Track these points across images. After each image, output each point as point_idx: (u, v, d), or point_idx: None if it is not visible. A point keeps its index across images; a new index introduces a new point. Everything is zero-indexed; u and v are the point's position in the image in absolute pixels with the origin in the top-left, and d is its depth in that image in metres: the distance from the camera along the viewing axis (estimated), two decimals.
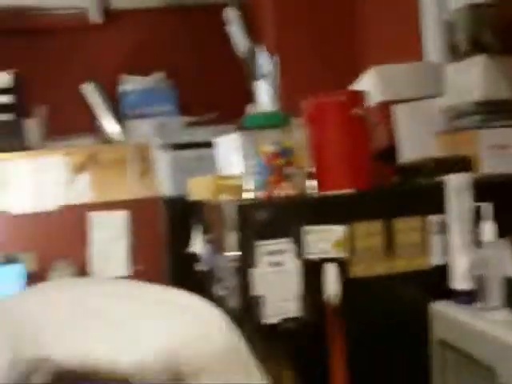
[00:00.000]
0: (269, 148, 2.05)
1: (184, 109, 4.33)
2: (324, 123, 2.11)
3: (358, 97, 2.15)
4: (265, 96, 3.82)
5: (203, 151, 3.40)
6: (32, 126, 4.27)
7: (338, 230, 2.01)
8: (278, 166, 2.05)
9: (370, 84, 2.46)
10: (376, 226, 2.04)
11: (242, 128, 2.39)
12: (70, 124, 4.38)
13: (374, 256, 2.04)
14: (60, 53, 4.54)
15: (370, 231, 2.03)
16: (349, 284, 2.01)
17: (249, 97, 4.07)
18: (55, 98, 4.36)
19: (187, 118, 4.02)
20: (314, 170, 2.15)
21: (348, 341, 1.97)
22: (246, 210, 1.95)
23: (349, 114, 2.09)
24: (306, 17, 3.68)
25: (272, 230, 1.95)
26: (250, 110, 4.01)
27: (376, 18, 3.37)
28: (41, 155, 4.22)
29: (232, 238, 1.97)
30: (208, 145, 3.09)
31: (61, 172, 4.21)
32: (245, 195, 2.13)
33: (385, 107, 2.43)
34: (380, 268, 2.04)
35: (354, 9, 3.63)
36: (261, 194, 2.06)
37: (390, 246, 2.05)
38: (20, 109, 4.49)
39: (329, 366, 1.96)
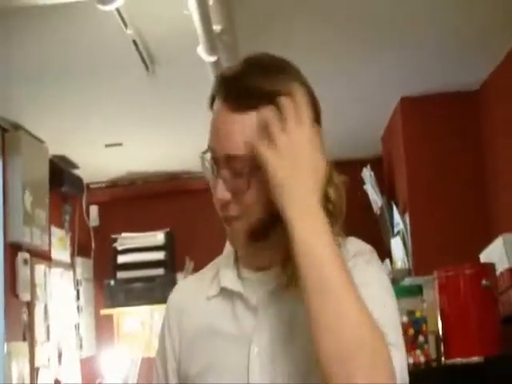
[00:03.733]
0: (401, 318, 2.18)
1: None
2: (455, 294, 2.24)
3: (487, 269, 2.28)
4: (399, 252, 3.96)
5: None
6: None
7: None
8: (410, 335, 2.17)
9: (498, 251, 2.58)
10: None
11: None
12: None
13: None
14: (205, 211, 4.93)
15: None
16: None
17: (385, 252, 4.22)
18: (201, 253, 4.69)
19: None
20: (444, 335, 2.26)
21: None
22: None
23: (478, 286, 2.21)
24: (437, 178, 3.83)
25: None
26: (386, 266, 4.15)
27: (508, 184, 3.45)
28: None
29: None
30: None
31: None
32: None
33: None
34: None
35: (485, 173, 3.74)
36: None
37: None
38: (171, 264, 4.88)
39: None
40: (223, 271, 1.30)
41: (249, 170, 1.15)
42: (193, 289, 1.35)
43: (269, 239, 1.22)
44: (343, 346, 1.04)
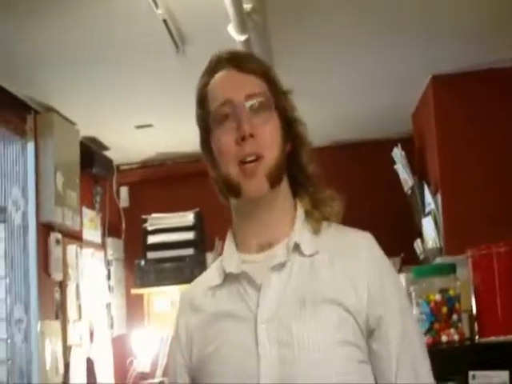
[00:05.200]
0: (435, 297, 2.18)
1: None
2: (489, 272, 2.22)
3: None
4: (430, 232, 3.93)
5: None
6: (212, 259, 4.61)
7: (502, 375, 2.07)
8: (444, 313, 2.16)
9: None
10: None
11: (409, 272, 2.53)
12: None
13: None
14: None
15: None
16: None
17: (416, 232, 4.20)
18: None
19: None
20: (477, 314, 2.24)
21: None
22: None
23: None
24: (469, 157, 3.79)
25: (437, 374, 2.04)
26: (417, 245, 4.13)
27: None
28: None
29: None
30: None
31: None
32: None
33: None
34: None
35: None
36: (427, 340, 2.17)
37: None
38: (201, 244, 4.90)
39: None
40: (226, 260, 1.35)
41: (268, 104, 1.30)
42: (200, 285, 1.41)
43: (277, 195, 1.30)
44: None
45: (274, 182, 1.29)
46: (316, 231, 1.30)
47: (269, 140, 1.29)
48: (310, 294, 1.24)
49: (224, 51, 1.37)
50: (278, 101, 1.33)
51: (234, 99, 1.29)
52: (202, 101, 1.35)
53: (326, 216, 1.32)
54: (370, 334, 1.23)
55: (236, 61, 1.33)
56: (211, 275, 1.38)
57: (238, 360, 1.25)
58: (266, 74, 1.34)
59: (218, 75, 1.34)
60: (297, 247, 1.28)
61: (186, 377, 1.36)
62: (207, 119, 1.33)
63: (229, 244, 1.38)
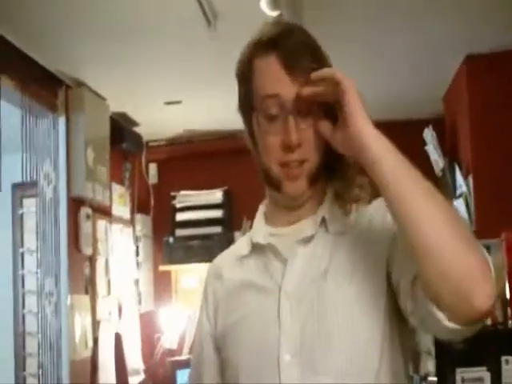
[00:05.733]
0: None
1: None
2: None
3: None
4: (461, 215, 3.89)
5: None
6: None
7: None
8: None
9: None
10: None
11: None
12: None
13: None
14: None
15: None
16: None
17: None
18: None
19: None
20: (511, 298, 2.22)
21: None
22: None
23: None
24: (502, 140, 3.73)
25: (469, 359, 2.03)
26: None
27: None
28: None
29: (429, 364, 2.08)
30: None
31: None
32: None
33: None
34: None
35: None
36: None
37: None
38: (229, 222, 4.91)
39: None
40: (255, 231, 1.37)
41: (318, 108, 1.24)
42: (228, 256, 1.44)
43: (315, 189, 1.31)
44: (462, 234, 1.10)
45: (314, 182, 1.30)
46: (344, 212, 1.31)
47: (314, 145, 1.27)
48: (334, 269, 1.25)
49: (272, 31, 1.29)
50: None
51: (283, 97, 1.25)
52: (247, 75, 1.31)
53: (355, 199, 1.32)
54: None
55: (285, 48, 1.25)
56: (240, 246, 1.40)
57: (259, 331, 1.27)
58: (319, 58, 1.29)
59: (266, 59, 1.27)
60: (323, 222, 1.30)
61: (211, 344, 1.39)
62: (251, 99, 1.30)
63: (259, 216, 1.40)
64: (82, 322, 3.78)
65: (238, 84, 1.34)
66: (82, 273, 3.91)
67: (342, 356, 1.20)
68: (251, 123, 1.32)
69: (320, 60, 1.28)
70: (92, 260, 4.04)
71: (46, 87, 3.65)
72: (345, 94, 1.19)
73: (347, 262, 1.26)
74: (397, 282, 1.20)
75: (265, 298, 1.29)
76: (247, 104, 1.31)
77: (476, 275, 1.06)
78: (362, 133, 1.18)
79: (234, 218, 4.92)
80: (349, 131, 1.19)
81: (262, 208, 1.41)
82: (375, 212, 1.29)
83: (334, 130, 1.23)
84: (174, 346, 4.84)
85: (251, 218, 1.42)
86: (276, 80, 1.25)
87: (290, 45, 1.25)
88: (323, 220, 1.30)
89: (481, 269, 1.07)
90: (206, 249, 4.68)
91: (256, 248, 1.35)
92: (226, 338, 1.34)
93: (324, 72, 1.23)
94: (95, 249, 4.08)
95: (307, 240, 1.29)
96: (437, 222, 1.10)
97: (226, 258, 1.44)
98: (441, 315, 1.09)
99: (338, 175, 1.34)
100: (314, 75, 1.23)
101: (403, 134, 4.79)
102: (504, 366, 2.03)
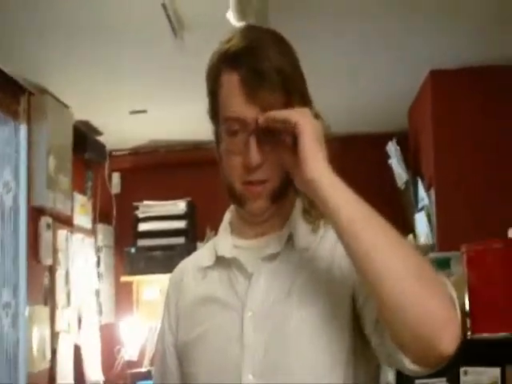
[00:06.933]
0: None
1: None
2: (483, 268, 2.21)
3: None
4: (423, 228, 3.92)
5: None
6: None
7: (493, 372, 2.06)
8: None
9: None
10: None
11: None
12: None
13: None
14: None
15: None
16: None
17: (408, 227, 4.18)
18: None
19: None
20: (470, 310, 2.23)
21: None
22: None
23: (508, 261, 2.18)
24: (465, 154, 3.77)
25: None
26: (410, 241, 4.12)
27: None
28: None
29: (390, 374, 2.07)
30: None
31: None
32: None
33: None
34: None
35: None
36: None
37: None
38: (192, 233, 4.88)
39: None
40: (220, 242, 1.34)
41: (281, 129, 1.20)
42: (190, 265, 1.40)
43: (279, 205, 1.28)
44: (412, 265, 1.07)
45: (277, 199, 1.27)
46: (313, 229, 1.29)
47: (276, 165, 1.23)
48: (298, 288, 1.23)
49: (240, 40, 1.24)
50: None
51: (245, 117, 1.21)
52: (214, 88, 1.27)
53: (322, 215, 1.28)
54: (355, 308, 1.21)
55: (252, 64, 1.20)
56: (203, 255, 1.37)
57: (222, 349, 1.25)
58: (283, 83, 1.22)
59: (232, 74, 1.22)
60: (290, 239, 1.28)
61: (174, 355, 1.36)
62: (217, 113, 1.27)
63: (224, 225, 1.37)
64: (40, 334, 3.72)
65: (207, 92, 1.31)
66: (42, 283, 3.85)
67: (305, 378, 1.18)
68: (217, 137, 1.30)
69: (288, 78, 1.23)
70: (52, 270, 3.98)
71: (7, 94, 3.60)
72: (300, 136, 1.16)
73: (312, 281, 1.24)
74: (362, 312, 1.19)
75: (228, 314, 1.27)
76: (214, 116, 1.29)
77: (439, 320, 1.03)
78: (314, 183, 1.14)
79: (197, 229, 4.90)
80: (302, 176, 1.16)
81: (227, 216, 1.39)
82: None
83: (295, 163, 1.18)
84: (135, 358, 4.80)
85: (215, 229, 1.41)
86: (238, 103, 1.21)
87: (254, 65, 1.21)
88: (290, 236, 1.28)
89: (445, 313, 1.04)
90: (168, 260, 4.64)
91: (220, 260, 1.32)
92: (187, 352, 1.31)
93: (278, 114, 1.19)
94: (55, 259, 4.03)
95: (273, 257, 1.27)
96: (395, 273, 1.06)
97: (188, 267, 1.40)
98: (405, 359, 1.08)
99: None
100: (269, 117, 1.19)
101: (367, 146, 4.88)
102: (462, 377, 2.05)
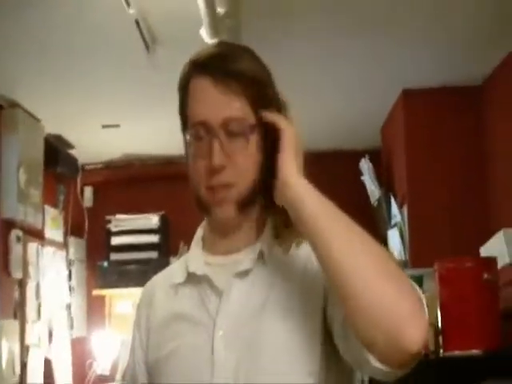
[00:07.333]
0: None
1: None
2: (456, 286, 2.23)
3: (489, 263, 2.27)
4: (396, 244, 3.94)
5: None
6: None
7: None
8: None
9: (498, 246, 2.56)
10: None
11: None
12: None
13: None
14: None
15: None
16: None
17: (381, 244, 4.19)
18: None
19: None
20: (443, 327, 2.24)
21: None
22: None
23: (479, 279, 2.20)
24: (437, 171, 3.80)
25: None
26: None
27: (509, 179, 3.39)
28: None
29: None
30: None
31: None
32: None
33: None
34: None
35: (485, 168, 3.69)
36: None
37: None
38: (165, 247, 4.86)
39: None
40: (191, 258, 1.33)
41: (248, 131, 1.22)
42: (162, 280, 1.38)
43: (248, 215, 1.28)
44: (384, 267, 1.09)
45: (243, 208, 1.26)
46: (284, 249, 1.28)
47: (242, 169, 1.24)
48: (270, 305, 1.23)
49: (212, 49, 1.29)
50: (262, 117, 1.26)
51: (209, 121, 1.22)
52: (184, 98, 1.29)
53: (295, 237, 1.28)
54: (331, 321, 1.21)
55: (218, 69, 1.23)
56: (174, 271, 1.36)
57: (192, 367, 1.23)
58: (252, 87, 1.24)
59: (200, 80, 1.25)
60: (262, 256, 1.27)
61: (145, 372, 1.35)
62: (187, 122, 1.29)
63: (196, 241, 1.36)
64: (9, 348, 3.67)
65: (178, 104, 1.32)
66: (11, 297, 3.80)
67: None
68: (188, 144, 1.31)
69: (258, 83, 1.25)
70: (22, 283, 3.94)
71: None
72: (282, 140, 1.21)
73: (284, 298, 1.23)
74: (331, 320, 1.19)
75: (199, 332, 1.25)
76: (184, 126, 1.30)
77: (404, 314, 1.03)
78: (287, 185, 1.19)
79: (170, 243, 4.88)
80: (278, 182, 1.20)
81: (199, 232, 1.37)
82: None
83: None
84: (107, 372, 4.75)
85: (188, 243, 1.39)
86: (203, 107, 1.23)
87: (224, 68, 1.23)
88: (261, 253, 1.27)
89: (410, 307, 1.04)
90: (141, 274, 4.61)
91: (191, 277, 1.31)
92: (157, 370, 1.30)
93: (270, 116, 1.24)
94: (25, 272, 3.98)
95: (244, 274, 1.26)
96: (361, 267, 1.07)
97: (159, 283, 1.39)
98: (371, 357, 1.07)
99: (278, 208, 1.29)
100: (265, 116, 1.24)
101: (340, 163, 4.90)
102: None
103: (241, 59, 1.26)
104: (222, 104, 1.22)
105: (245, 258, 1.28)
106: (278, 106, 1.29)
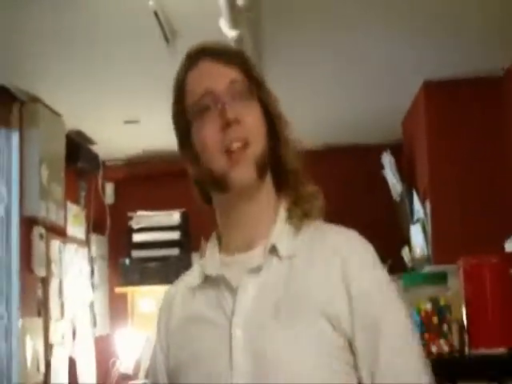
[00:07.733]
0: (426, 306, 2.14)
1: None
2: (481, 283, 2.19)
3: None
4: (418, 240, 3.90)
5: None
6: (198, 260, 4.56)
7: None
8: (434, 323, 2.13)
9: None
10: None
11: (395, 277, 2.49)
12: None
13: None
14: None
15: None
16: None
17: (403, 239, 4.16)
18: None
19: None
20: (468, 324, 2.21)
21: None
22: None
23: (505, 275, 2.16)
24: (459, 165, 3.76)
25: None
26: (405, 253, 4.10)
27: None
28: None
29: None
30: None
31: None
32: None
33: None
34: None
35: (508, 160, 3.64)
36: None
37: None
38: (187, 244, 4.85)
39: None
40: (207, 260, 1.33)
41: (249, 92, 1.28)
42: (183, 283, 1.39)
43: (262, 189, 1.28)
44: None
45: (260, 171, 1.26)
46: (296, 230, 1.28)
47: (255, 127, 1.27)
48: (286, 301, 1.21)
49: (200, 43, 1.34)
50: (258, 92, 1.31)
51: (214, 89, 1.26)
52: (180, 96, 1.32)
53: (307, 213, 1.29)
54: (352, 337, 1.19)
55: (212, 51, 1.31)
56: (192, 275, 1.36)
57: (211, 370, 1.23)
58: (245, 65, 1.32)
59: (196, 67, 1.31)
60: (274, 249, 1.26)
61: (166, 375, 1.35)
62: (186, 114, 1.30)
63: (211, 244, 1.37)
64: (33, 346, 3.68)
65: (172, 106, 1.33)
66: (35, 295, 3.81)
67: None
68: (189, 140, 1.30)
69: (251, 67, 1.33)
70: (45, 281, 3.95)
71: None
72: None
73: (302, 295, 1.21)
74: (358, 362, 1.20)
75: (216, 333, 1.25)
76: (183, 121, 1.31)
77: None
78: None
79: (191, 240, 4.86)
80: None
81: (214, 235, 1.38)
82: (348, 250, 1.24)
83: None
84: (130, 371, 4.75)
85: (209, 240, 1.39)
86: (209, 76, 1.28)
87: (220, 49, 1.32)
88: (274, 248, 1.26)
89: None
90: (163, 271, 4.62)
91: (208, 279, 1.31)
92: (178, 374, 1.30)
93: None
94: (48, 270, 3.99)
95: (256, 270, 1.25)
96: None
97: (179, 287, 1.40)
98: None
99: (289, 189, 1.32)
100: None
101: (362, 158, 4.86)
102: None
103: (229, 49, 1.36)
104: (224, 72, 1.28)
105: (257, 254, 1.27)
106: (268, 93, 1.34)
